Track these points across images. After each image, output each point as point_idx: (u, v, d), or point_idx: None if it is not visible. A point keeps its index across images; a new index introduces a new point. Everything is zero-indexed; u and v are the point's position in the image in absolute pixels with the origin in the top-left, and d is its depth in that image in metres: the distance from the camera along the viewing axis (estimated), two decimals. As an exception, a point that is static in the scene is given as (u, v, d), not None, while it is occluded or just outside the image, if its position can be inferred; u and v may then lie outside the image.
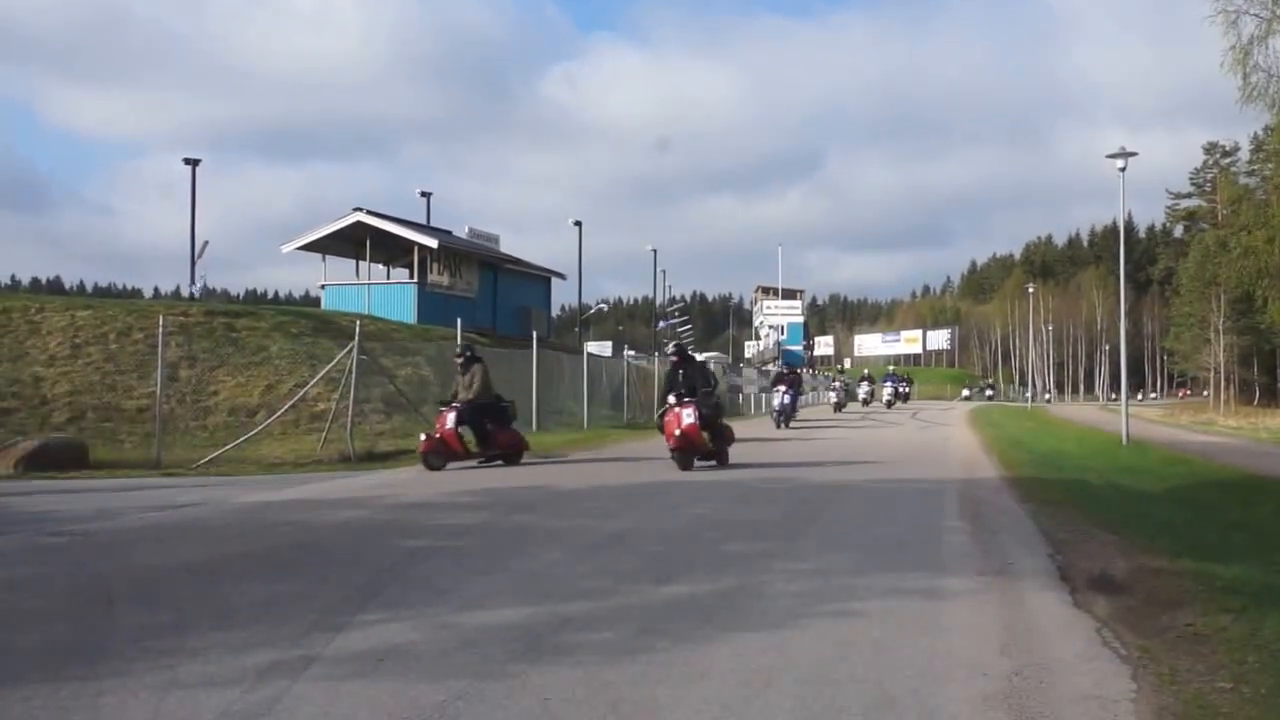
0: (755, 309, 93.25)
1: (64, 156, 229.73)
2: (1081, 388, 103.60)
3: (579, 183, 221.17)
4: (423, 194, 36.48)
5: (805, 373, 46.76)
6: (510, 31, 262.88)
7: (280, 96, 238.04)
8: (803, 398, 36.49)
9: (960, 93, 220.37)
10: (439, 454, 13.72)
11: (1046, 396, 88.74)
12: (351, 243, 32.09)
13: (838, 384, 40.96)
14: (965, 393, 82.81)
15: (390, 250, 33.38)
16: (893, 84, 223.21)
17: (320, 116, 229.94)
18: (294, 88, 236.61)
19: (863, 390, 43.18)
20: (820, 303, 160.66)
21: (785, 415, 26.08)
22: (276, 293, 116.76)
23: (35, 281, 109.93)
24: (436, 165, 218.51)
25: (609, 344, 54.12)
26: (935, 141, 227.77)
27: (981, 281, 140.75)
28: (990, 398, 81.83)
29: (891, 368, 53.51)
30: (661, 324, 64.45)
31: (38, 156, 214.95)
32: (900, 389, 44.69)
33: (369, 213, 31.37)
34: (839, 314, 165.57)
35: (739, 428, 17.57)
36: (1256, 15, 25.50)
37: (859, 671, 4.13)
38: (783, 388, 26.42)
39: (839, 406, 37.45)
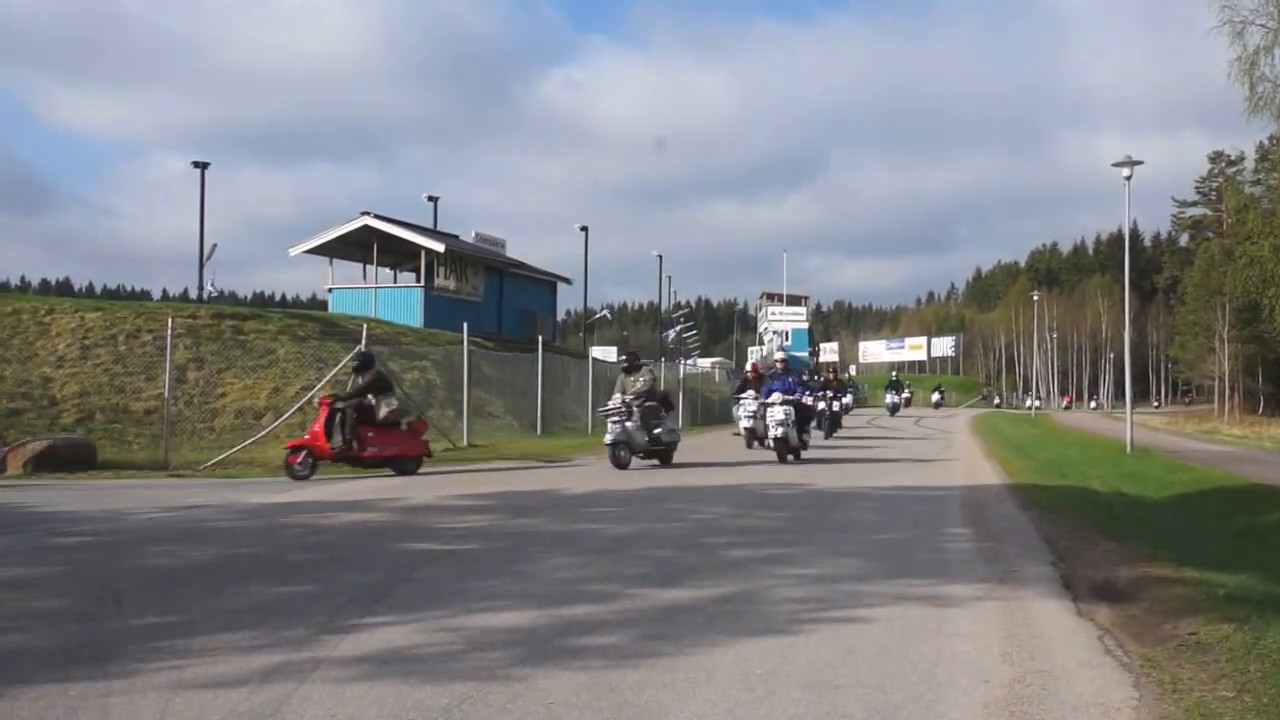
0: (760, 315, 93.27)
1: (64, 157, 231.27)
2: (1086, 395, 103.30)
3: (581, 187, 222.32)
4: (429, 198, 36.61)
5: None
6: (508, 34, 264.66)
7: (281, 98, 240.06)
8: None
9: (961, 98, 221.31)
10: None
11: (1031, 403, 68.77)
12: (359, 246, 32.18)
13: (745, 398, 19.14)
14: (889, 399, 45.79)
15: (397, 254, 33.48)
16: (894, 89, 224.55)
17: (322, 119, 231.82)
18: (294, 90, 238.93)
19: (743, 413, 19.19)
20: (825, 309, 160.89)
21: None
22: (284, 295, 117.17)
23: (45, 283, 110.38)
24: (438, 168, 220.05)
25: (613, 349, 54.20)
26: (937, 147, 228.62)
27: (986, 288, 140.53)
28: (937, 404, 58.30)
29: (806, 354, 33.97)
30: (669, 332, 64.57)
31: (38, 158, 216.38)
32: (836, 404, 22.71)
33: (376, 216, 31.47)
34: (844, 320, 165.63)
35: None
36: (1263, 26, 25.55)
37: (862, 677, 4.15)
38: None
39: (750, 438, 18.50)
